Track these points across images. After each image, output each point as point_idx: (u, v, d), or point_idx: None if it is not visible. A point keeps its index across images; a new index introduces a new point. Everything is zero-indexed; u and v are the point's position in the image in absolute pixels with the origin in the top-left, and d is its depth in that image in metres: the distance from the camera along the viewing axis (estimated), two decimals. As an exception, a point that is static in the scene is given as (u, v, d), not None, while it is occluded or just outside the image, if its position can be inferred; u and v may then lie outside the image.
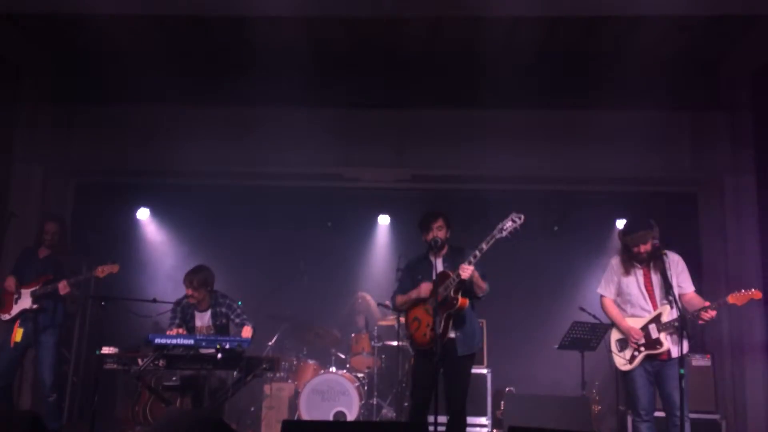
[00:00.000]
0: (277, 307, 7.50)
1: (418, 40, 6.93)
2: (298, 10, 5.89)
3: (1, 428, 3.67)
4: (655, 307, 4.80)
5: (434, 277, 4.83)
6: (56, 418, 5.87)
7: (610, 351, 4.96)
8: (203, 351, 5.02)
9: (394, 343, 6.75)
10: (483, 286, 4.83)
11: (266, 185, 8.01)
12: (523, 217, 4.64)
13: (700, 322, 4.70)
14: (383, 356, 7.17)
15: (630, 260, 4.87)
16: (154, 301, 5.84)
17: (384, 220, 8.60)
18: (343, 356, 7.35)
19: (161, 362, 5.02)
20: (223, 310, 5.69)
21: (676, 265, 4.84)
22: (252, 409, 7.16)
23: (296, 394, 6.88)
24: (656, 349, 4.71)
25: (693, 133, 7.34)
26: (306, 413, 6.65)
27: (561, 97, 7.17)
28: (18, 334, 5.77)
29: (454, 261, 4.84)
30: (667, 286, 4.68)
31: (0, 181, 7.00)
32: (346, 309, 7.90)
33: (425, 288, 4.90)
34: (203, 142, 7.37)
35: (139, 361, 5.03)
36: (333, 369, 7.06)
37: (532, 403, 6.22)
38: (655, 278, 4.81)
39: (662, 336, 4.70)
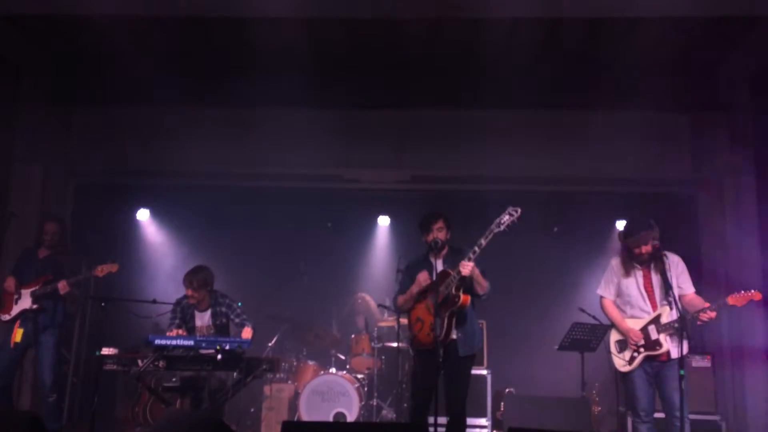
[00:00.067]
0: (277, 308, 7.51)
1: (418, 40, 6.92)
2: (298, 10, 5.89)
3: (0, 429, 3.67)
4: (654, 308, 4.80)
5: (434, 278, 4.83)
6: (56, 419, 5.87)
7: (609, 352, 4.96)
8: (203, 352, 5.02)
9: (394, 344, 6.75)
10: (484, 283, 4.82)
11: (266, 186, 8.01)
12: (519, 210, 4.64)
13: (699, 323, 4.70)
14: (383, 357, 7.16)
15: (630, 261, 4.87)
16: (154, 302, 5.84)
17: (384, 221, 8.61)
18: (343, 357, 7.35)
19: (161, 363, 5.03)
20: (223, 309, 5.69)
21: (676, 266, 4.84)
22: (252, 410, 7.17)
23: (296, 395, 6.88)
24: (656, 350, 4.71)
25: (693, 133, 7.35)
26: (306, 414, 6.65)
27: (561, 98, 7.17)
28: (18, 335, 5.76)
29: (454, 262, 4.82)
30: (666, 287, 4.69)
31: (0, 181, 7.00)
32: (346, 310, 7.90)
33: (423, 276, 4.89)
34: (203, 142, 7.38)
35: (139, 361, 5.04)
36: (333, 370, 7.06)
37: (532, 404, 6.22)
38: (655, 279, 4.81)
39: (662, 337, 4.70)
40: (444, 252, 5.00)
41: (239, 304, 5.77)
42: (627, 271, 4.88)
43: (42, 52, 7.28)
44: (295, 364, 7.26)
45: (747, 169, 6.91)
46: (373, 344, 7.10)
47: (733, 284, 5.98)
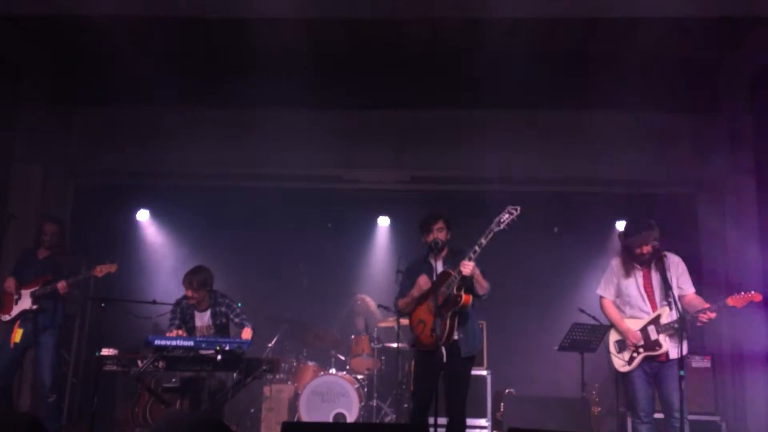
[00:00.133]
0: (276, 309, 7.50)
1: (418, 41, 6.93)
2: (298, 11, 5.89)
3: (0, 430, 3.66)
4: (654, 308, 4.80)
5: (435, 279, 4.83)
6: (56, 419, 5.87)
7: (609, 352, 4.96)
8: (203, 352, 5.02)
9: (394, 345, 6.74)
10: (484, 284, 4.81)
11: (266, 187, 8.00)
12: (519, 208, 4.63)
13: (699, 323, 4.70)
14: (383, 358, 7.16)
15: (630, 261, 4.87)
16: (154, 302, 5.84)
17: (384, 222, 8.61)
18: (342, 358, 7.34)
19: (161, 364, 5.03)
20: (223, 309, 5.69)
21: (677, 266, 4.84)
22: (252, 410, 7.16)
23: (296, 396, 6.88)
24: (655, 350, 4.71)
25: (693, 134, 7.34)
26: (306, 415, 6.65)
27: (561, 98, 7.17)
28: (18, 335, 5.76)
29: (454, 262, 4.81)
30: (666, 288, 4.68)
31: (0, 181, 7.00)
32: (345, 311, 7.90)
33: (423, 280, 4.88)
34: (203, 143, 7.37)
35: (139, 362, 5.04)
36: (333, 370, 7.06)
37: (532, 405, 6.22)
38: (655, 280, 4.81)
39: (661, 337, 4.70)
40: (444, 253, 4.99)
41: (239, 304, 5.77)
42: (627, 271, 4.88)
43: (42, 52, 7.29)
44: (294, 364, 7.26)
45: (747, 170, 6.91)
46: (372, 345, 7.10)
47: (733, 285, 5.98)
